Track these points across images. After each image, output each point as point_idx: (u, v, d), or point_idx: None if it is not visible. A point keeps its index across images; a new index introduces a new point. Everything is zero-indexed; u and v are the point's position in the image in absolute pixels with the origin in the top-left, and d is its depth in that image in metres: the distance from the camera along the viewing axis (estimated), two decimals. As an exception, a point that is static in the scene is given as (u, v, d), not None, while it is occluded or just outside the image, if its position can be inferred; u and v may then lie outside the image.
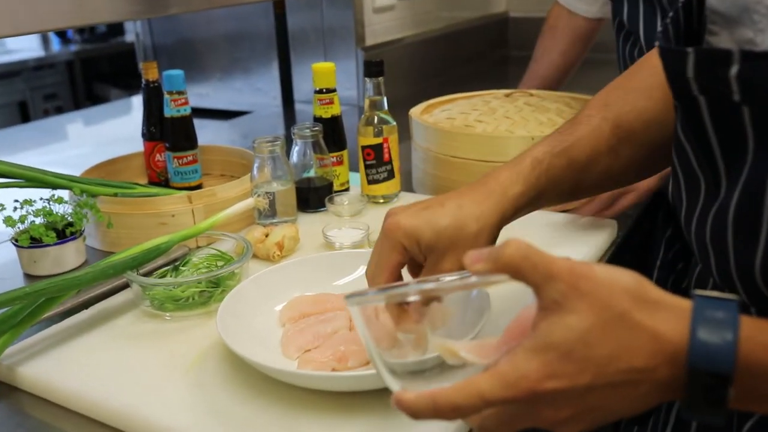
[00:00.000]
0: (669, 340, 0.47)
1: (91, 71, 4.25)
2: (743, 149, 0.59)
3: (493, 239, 0.71)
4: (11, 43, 4.03)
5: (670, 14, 0.65)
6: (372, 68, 1.16)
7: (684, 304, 0.48)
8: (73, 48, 4.25)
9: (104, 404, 0.73)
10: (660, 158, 0.79)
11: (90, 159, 1.35)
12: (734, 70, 0.54)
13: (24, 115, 3.95)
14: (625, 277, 0.49)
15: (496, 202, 0.71)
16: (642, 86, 0.79)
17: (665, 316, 0.47)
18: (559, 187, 0.76)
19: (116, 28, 4.28)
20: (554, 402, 0.48)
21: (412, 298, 0.58)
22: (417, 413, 0.49)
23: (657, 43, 0.64)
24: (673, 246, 1.11)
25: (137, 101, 2.63)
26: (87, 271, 0.84)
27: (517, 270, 0.49)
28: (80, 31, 4.28)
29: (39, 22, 0.91)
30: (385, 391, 0.69)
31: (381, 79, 1.17)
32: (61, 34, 4.30)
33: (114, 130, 2.33)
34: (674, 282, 1.05)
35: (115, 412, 0.72)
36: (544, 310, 0.49)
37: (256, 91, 2.18)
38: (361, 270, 0.89)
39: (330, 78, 1.21)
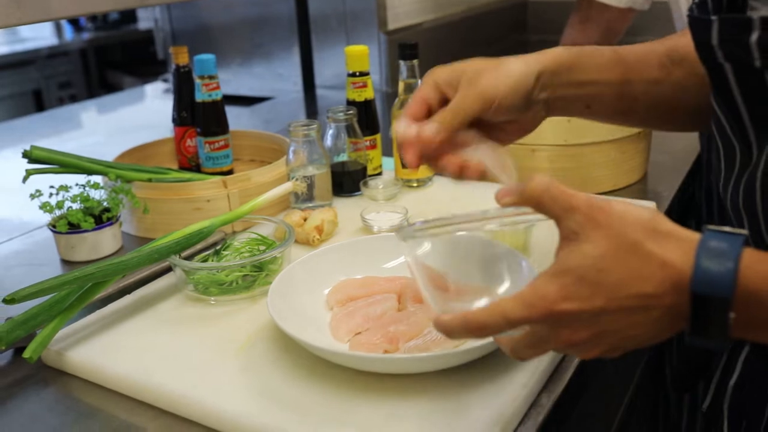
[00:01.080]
0: (676, 267, 0.50)
1: (104, 59, 4.25)
2: None
3: (527, 85, 0.70)
4: (24, 31, 4.03)
5: None
6: (406, 51, 1.15)
7: (693, 236, 0.51)
8: (86, 36, 4.25)
9: (157, 388, 0.72)
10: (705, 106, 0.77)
11: (104, 147, 1.35)
12: (754, 36, 0.57)
13: (39, 103, 3.95)
14: (639, 211, 0.52)
15: (533, 61, 0.72)
16: None
17: (674, 246, 0.51)
18: (602, 81, 0.75)
19: (129, 16, 4.27)
20: (571, 323, 0.52)
21: (458, 232, 0.61)
22: (451, 332, 0.55)
23: (687, 13, 0.66)
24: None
25: (151, 89, 2.63)
26: (132, 255, 0.83)
27: (539, 202, 0.54)
28: (92, 18, 4.28)
29: (76, 6, 0.91)
30: (437, 374, 0.70)
31: (416, 61, 1.16)
32: (74, 22, 4.29)
33: (128, 118, 2.32)
34: None
35: (169, 395, 0.71)
36: (563, 239, 0.53)
37: (277, 77, 2.17)
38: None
39: (363, 61, 1.20)
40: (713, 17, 0.61)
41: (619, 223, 0.51)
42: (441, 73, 0.70)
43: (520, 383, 0.69)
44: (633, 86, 0.77)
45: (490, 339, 0.67)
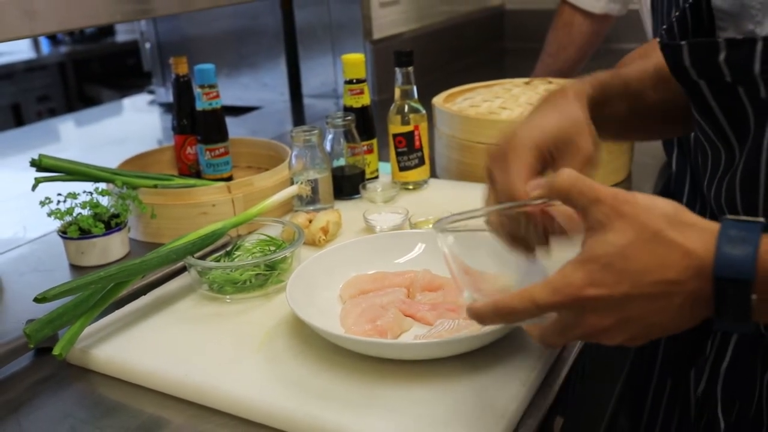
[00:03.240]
0: (698, 255, 0.53)
1: (82, 72, 4.25)
2: (745, 120, 0.67)
3: (592, 131, 0.73)
4: (1, 45, 4.01)
5: (676, 13, 0.73)
6: (402, 58, 1.20)
7: (713, 226, 0.54)
8: (63, 49, 4.24)
9: (183, 381, 0.76)
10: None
11: (81, 160, 1.33)
12: (722, 56, 0.64)
13: (17, 117, 3.93)
14: (663, 203, 0.55)
15: (580, 100, 0.76)
16: None
17: (696, 235, 0.53)
18: (618, 105, 0.81)
19: (106, 29, 4.28)
20: (597, 309, 0.55)
21: (488, 217, 0.66)
22: (483, 318, 0.59)
23: (658, 40, 0.72)
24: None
25: (129, 103, 2.63)
26: (152, 255, 0.86)
27: (568, 195, 0.57)
28: (70, 32, 4.27)
29: (86, 18, 0.95)
30: (449, 360, 0.74)
31: (410, 68, 1.21)
32: (51, 36, 4.28)
33: (106, 132, 2.34)
34: None
35: (196, 387, 0.75)
36: (589, 230, 0.56)
37: (263, 87, 2.20)
38: (420, 248, 0.93)
39: (360, 68, 1.24)
40: (682, 42, 0.66)
41: (644, 214, 0.54)
42: (531, 142, 0.69)
43: (530, 366, 0.73)
44: (639, 110, 0.83)
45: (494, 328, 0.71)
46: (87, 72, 4.28)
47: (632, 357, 1.38)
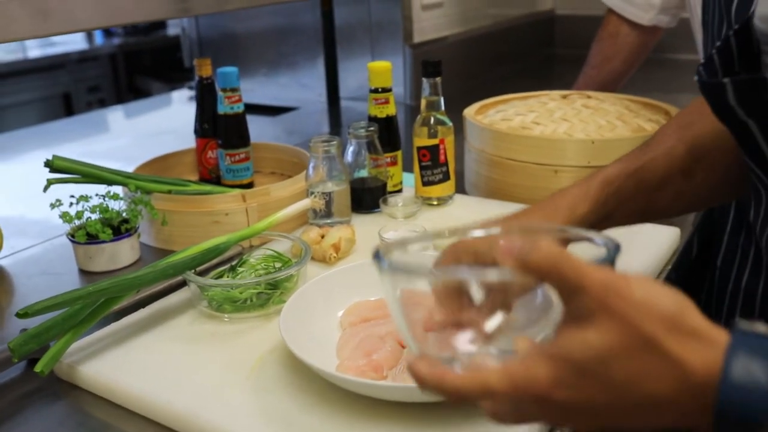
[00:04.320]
0: (697, 373, 0.43)
1: (133, 64, 4.29)
2: None
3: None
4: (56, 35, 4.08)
5: (717, 44, 0.65)
6: (429, 68, 1.14)
7: (722, 338, 0.44)
8: (116, 41, 4.29)
9: (165, 407, 0.72)
10: (734, 183, 0.78)
11: (128, 150, 1.35)
12: None
13: (68, 107, 3.99)
14: (665, 300, 0.45)
15: (563, 219, 0.72)
16: None
17: (697, 347, 0.44)
18: (628, 209, 0.77)
19: (158, 22, 4.31)
20: (565, 410, 0.46)
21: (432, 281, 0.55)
22: (424, 386, 0.49)
23: (696, 78, 0.64)
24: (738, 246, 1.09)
25: (178, 96, 2.64)
26: (147, 271, 0.83)
27: (546, 276, 0.46)
28: (124, 25, 4.32)
29: (101, 17, 0.92)
30: (447, 403, 0.68)
31: (438, 79, 1.15)
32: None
33: (154, 124, 2.35)
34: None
35: (177, 415, 0.71)
36: (569, 317, 0.47)
37: (301, 87, 2.17)
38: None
39: (386, 77, 1.19)
40: (725, 80, 0.60)
41: (637, 315, 0.44)
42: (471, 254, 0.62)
43: (534, 416, 0.67)
44: (656, 204, 0.78)
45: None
46: (137, 64, 4.32)
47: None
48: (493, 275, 0.49)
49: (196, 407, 0.71)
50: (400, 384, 0.69)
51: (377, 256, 0.53)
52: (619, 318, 0.44)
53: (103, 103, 4.07)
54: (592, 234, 0.54)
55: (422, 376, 0.48)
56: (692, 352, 0.43)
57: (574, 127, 1.19)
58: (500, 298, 0.51)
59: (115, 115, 2.78)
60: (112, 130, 2.34)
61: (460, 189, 1.27)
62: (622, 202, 0.75)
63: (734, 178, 0.78)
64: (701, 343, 0.44)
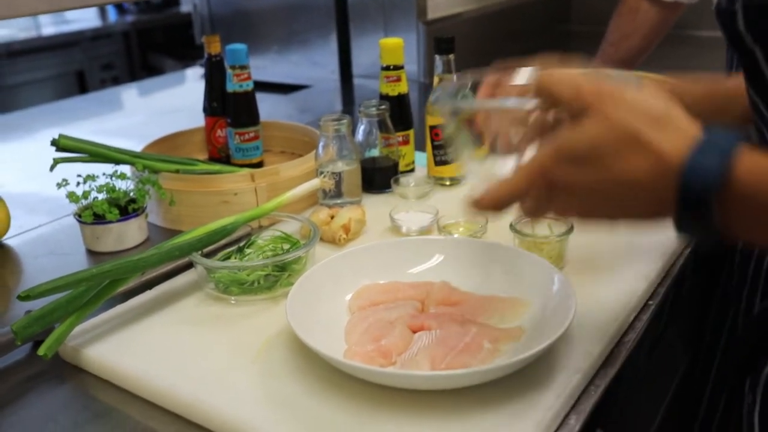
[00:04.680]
0: (667, 157, 0.51)
1: (146, 42, 4.27)
2: None
3: None
4: (69, 13, 4.06)
5: None
6: (442, 45, 1.11)
7: (695, 131, 0.52)
8: (129, 18, 4.27)
9: (169, 391, 0.71)
10: None
11: (144, 128, 1.34)
12: None
13: (81, 85, 3.98)
14: (654, 101, 0.53)
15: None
16: None
17: (672, 137, 0.51)
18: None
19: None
20: (567, 194, 0.56)
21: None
22: (480, 206, 0.60)
23: (713, 5, 0.69)
24: None
25: (191, 73, 2.63)
26: (152, 252, 0.81)
27: (550, 91, 0.56)
28: (136, 1, 4.30)
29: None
30: (456, 391, 0.66)
31: (452, 56, 1.12)
32: (118, 5, 4.31)
33: (168, 101, 2.33)
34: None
35: (181, 400, 0.70)
36: (569, 121, 0.55)
37: (313, 65, 2.14)
38: (436, 258, 0.85)
39: (398, 54, 1.16)
40: (736, 6, 0.64)
41: (625, 112, 0.52)
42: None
43: (546, 405, 0.65)
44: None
45: (513, 359, 0.64)
46: (151, 41, 4.30)
47: (682, 374, 1.28)
48: (511, 102, 0.63)
49: (201, 392, 0.70)
50: (408, 371, 0.67)
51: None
52: (608, 114, 0.52)
53: (116, 81, 4.06)
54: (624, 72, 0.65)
55: (473, 199, 0.60)
56: (668, 141, 0.51)
57: (591, 105, 1.16)
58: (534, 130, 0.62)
59: (128, 92, 2.77)
60: (125, 108, 2.33)
61: (473, 169, 1.24)
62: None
63: None
64: (677, 133, 0.51)
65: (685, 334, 1.27)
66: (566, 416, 0.67)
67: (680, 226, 0.52)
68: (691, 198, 0.50)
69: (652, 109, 0.52)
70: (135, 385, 0.73)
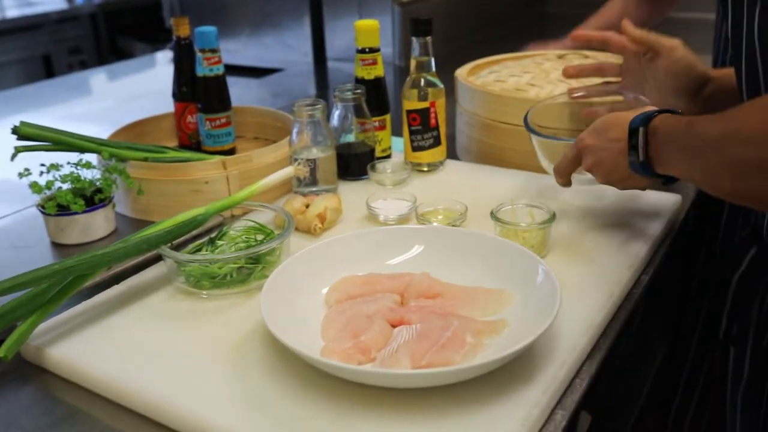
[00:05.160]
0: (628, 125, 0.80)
1: (115, 25, 4.16)
2: None
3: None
4: (33, -6, 3.96)
5: None
6: (419, 27, 1.08)
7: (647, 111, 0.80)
8: (96, 0, 4.16)
9: (139, 392, 0.67)
10: None
11: (114, 114, 1.30)
12: None
13: (48, 69, 3.88)
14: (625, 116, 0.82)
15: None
16: None
17: (633, 116, 0.79)
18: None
19: (140, -20, 4.18)
20: (585, 152, 0.86)
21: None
22: (555, 173, 0.92)
23: None
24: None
25: (162, 57, 2.56)
26: (118, 246, 0.78)
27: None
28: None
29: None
30: (439, 388, 0.64)
31: (429, 38, 1.09)
32: (84, -14, 4.20)
33: (138, 86, 2.27)
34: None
35: (150, 401, 0.66)
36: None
37: (286, 48, 2.10)
38: (416, 248, 0.83)
39: (374, 37, 1.13)
40: None
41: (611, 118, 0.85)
42: None
43: (532, 401, 0.63)
44: None
45: (497, 355, 0.62)
46: (119, 24, 4.19)
47: (661, 358, 1.28)
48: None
49: (172, 393, 0.66)
50: (388, 370, 0.64)
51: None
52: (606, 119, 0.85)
53: (84, 65, 3.96)
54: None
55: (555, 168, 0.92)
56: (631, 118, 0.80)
57: (571, 88, 1.14)
58: None
59: (96, 77, 2.69)
60: (94, 93, 2.27)
61: (451, 154, 1.21)
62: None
63: None
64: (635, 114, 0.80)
65: (663, 319, 1.26)
66: (552, 411, 0.65)
67: (630, 155, 0.79)
68: (632, 137, 0.78)
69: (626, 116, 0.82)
70: (101, 386, 0.70)
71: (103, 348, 0.74)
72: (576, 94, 1.05)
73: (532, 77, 1.19)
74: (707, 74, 0.95)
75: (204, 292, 0.82)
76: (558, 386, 0.66)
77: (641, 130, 0.76)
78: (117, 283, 0.86)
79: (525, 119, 1.00)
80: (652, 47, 0.96)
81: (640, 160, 0.77)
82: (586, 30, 1.06)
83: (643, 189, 0.86)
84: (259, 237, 0.88)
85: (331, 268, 0.80)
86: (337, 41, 2.04)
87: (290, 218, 0.87)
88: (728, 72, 0.93)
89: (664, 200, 1.00)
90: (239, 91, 1.89)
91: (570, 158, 0.88)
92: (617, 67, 1.03)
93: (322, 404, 0.64)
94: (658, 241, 0.93)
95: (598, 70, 1.06)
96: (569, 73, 1.07)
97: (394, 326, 0.71)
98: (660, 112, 0.77)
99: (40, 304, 0.73)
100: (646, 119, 0.77)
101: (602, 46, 1.03)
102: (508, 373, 0.66)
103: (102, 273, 0.82)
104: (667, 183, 0.81)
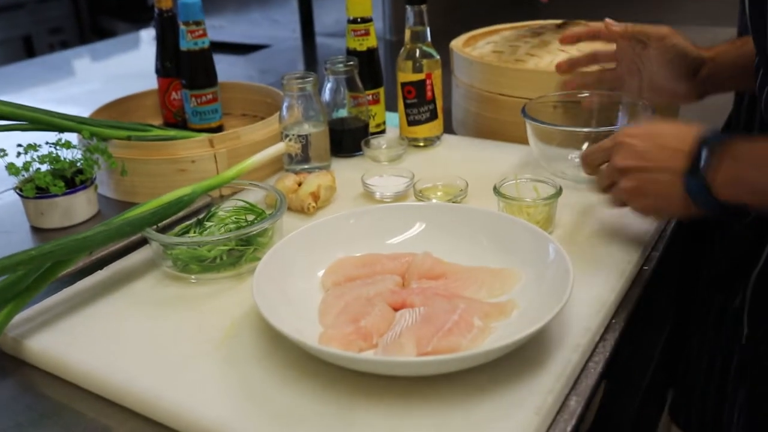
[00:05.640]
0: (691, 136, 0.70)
1: (96, 4, 4.07)
2: None
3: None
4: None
5: None
6: (414, -6, 1.03)
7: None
8: (77, -21, 4.06)
9: (125, 385, 0.63)
10: None
11: (99, 95, 1.25)
12: None
13: (28, 49, 3.79)
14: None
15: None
16: None
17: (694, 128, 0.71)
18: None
19: (121, -43, 4.08)
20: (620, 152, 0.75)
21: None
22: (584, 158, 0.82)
23: None
24: None
25: (146, 35, 2.50)
26: (100, 229, 0.73)
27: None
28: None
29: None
30: (446, 375, 0.60)
31: (424, 6, 1.04)
32: (65, -36, 4.09)
33: (123, 66, 2.21)
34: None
35: (139, 395, 0.62)
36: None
37: (273, 24, 2.04)
38: (417, 227, 0.78)
39: (365, 6, 1.07)
40: None
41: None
42: None
43: (545, 388, 0.59)
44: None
45: (508, 340, 0.57)
46: (101, 3, 4.10)
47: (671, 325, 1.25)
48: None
49: (161, 385, 0.62)
50: (393, 358, 0.60)
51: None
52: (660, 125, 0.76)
53: (65, 45, 3.87)
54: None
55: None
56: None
57: (572, 58, 1.09)
58: None
59: (79, 57, 2.62)
60: (77, 74, 2.20)
61: (447, 129, 1.17)
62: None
63: None
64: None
65: (672, 289, 1.23)
66: (566, 398, 0.61)
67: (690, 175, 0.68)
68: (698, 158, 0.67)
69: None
70: (86, 380, 0.66)
71: (87, 338, 0.69)
72: (571, 87, 1.01)
73: (530, 47, 1.14)
74: (701, 56, 0.92)
75: (192, 276, 0.78)
76: (572, 371, 0.62)
77: (710, 146, 0.66)
78: (100, 269, 0.81)
79: (523, 111, 0.96)
80: (641, 40, 0.94)
81: (706, 182, 0.66)
82: (574, 30, 1.03)
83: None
84: (250, 217, 0.84)
85: (327, 249, 0.75)
86: (325, 16, 1.99)
87: (283, 197, 0.83)
88: (723, 49, 0.92)
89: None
90: (225, 68, 1.82)
91: (605, 148, 0.78)
92: (611, 53, 0.99)
93: (321, 395, 0.60)
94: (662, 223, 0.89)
95: (591, 59, 1.01)
96: (563, 69, 1.02)
97: (396, 309, 0.67)
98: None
99: (17, 292, 0.68)
100: (716, 136, 0.67)
101: (593, 40, 1.00)
102: (519, 358, 0.62)
103: (84, 258, 0.78)
104: (733, 216, 0.69)
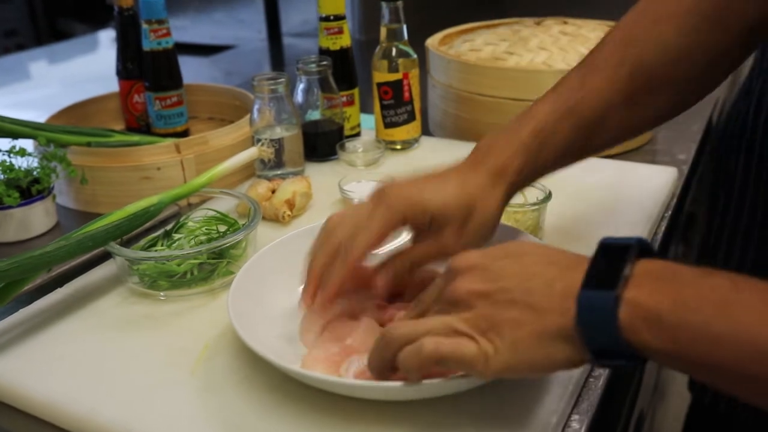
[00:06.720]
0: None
1: (53, 5, 3.96)
2: None
3: (498, 218, 0.65)
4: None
5: None
6: (389, -10, 0.98)
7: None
8: (32, -21, 3.95)
9: (88, 416, 0.57)
10: (684, 100, 0.68)
11: (57, 99, 1.19)
12: None
13: (-18, 54, 3.67)
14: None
15: (498, 182, 0.63)
16: (672, 12, 0.64)
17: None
18: (565, 152, 0.66)
19: (78, -43, 3.98)
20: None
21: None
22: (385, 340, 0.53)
23: None
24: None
25: (105, 36, 2.42)
26: (60, 244, 0.67)
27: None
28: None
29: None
30: (441, 398, 0.56)
31: (400, 3, 0.99)
32: (19, -35, 3.98)
33: (81, 68, 2.13)
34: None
35: (102, 427, 0.57)
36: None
37: (239, 24, 1.98)
38: (405, 236, 0.73)
39: (338, 2, 1.03)
40: None
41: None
42: (408, 206, 0.61)
43: (548, 409, 0.55)
44: (595, 142, 0.67)
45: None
46: (58, 4, 3.99)
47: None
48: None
49: (128, 415, 0.57)
50: (383, 384, 0.55)
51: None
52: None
53: (21, 48, 3.75)
54: None
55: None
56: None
57: (553, 56, 1.06)
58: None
59: (35, 59, 2.53)
60: (34, 78, 2.12)
61: (424, 131, 1.12)
62: (558, 147, 0.64)
63: (682, 94, 0.67)
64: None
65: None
66: (568, 418, 0.57)
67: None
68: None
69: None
70: (45, 411, 0.60)
71: (45, 363, 0.64)
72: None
73: (509, 45, 1.10)
74: (509, 190, 0.65)
75: (161, 293, 0.72)
76: (573, 388, 0.58)
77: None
78: (60, 287, 0.75)
79: None
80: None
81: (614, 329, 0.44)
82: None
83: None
84: (222, 228, 0.79)
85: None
86: (292, 15, 1.94)
87: (257, 206, 0.78)
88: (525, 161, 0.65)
89: (660, 174, 0.93)
90: (189, 70, 1.75)
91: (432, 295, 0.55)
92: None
93: (306, 421, 0.55)
94: (658, 219, 0.86)
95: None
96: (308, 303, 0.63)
97: (383, 326, 0.62)
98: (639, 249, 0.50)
99: (-33, 315, 0.62)
100: (620, 252, 0.50)
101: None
102: (518, 386, 0.57)
103: (42, 275, 0.72)
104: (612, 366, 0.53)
